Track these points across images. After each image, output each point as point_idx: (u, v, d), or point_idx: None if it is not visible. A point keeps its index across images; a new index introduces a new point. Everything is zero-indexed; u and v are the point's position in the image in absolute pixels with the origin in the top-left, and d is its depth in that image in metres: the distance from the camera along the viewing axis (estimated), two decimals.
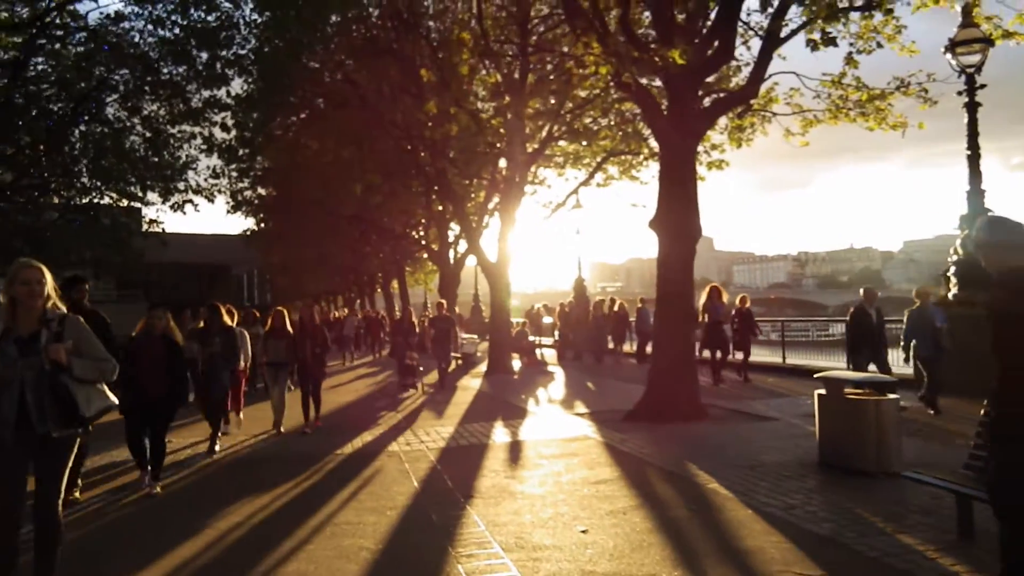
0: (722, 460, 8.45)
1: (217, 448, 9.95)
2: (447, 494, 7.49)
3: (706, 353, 16.06)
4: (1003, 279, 3.76)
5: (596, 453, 9.33)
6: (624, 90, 12.06)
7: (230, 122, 21.78)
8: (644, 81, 12.28)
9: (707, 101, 12.97)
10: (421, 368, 16.39)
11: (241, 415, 12.15)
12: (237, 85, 22.12)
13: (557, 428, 11.28)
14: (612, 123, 20.78)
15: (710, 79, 13.17)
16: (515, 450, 9.80)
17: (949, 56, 14.73)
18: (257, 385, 15.20)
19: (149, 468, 7.81)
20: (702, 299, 16.32)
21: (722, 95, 13.12)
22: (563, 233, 42.59)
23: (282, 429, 11.38)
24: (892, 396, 7.55)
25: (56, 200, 24.67)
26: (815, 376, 8.65)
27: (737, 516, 6.37)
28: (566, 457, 9.11)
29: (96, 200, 25.00)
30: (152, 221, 26.81)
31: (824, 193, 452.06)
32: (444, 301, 18.33)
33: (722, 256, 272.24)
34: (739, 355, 16.60)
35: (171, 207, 24.16)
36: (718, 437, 10.10)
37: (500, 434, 10.95)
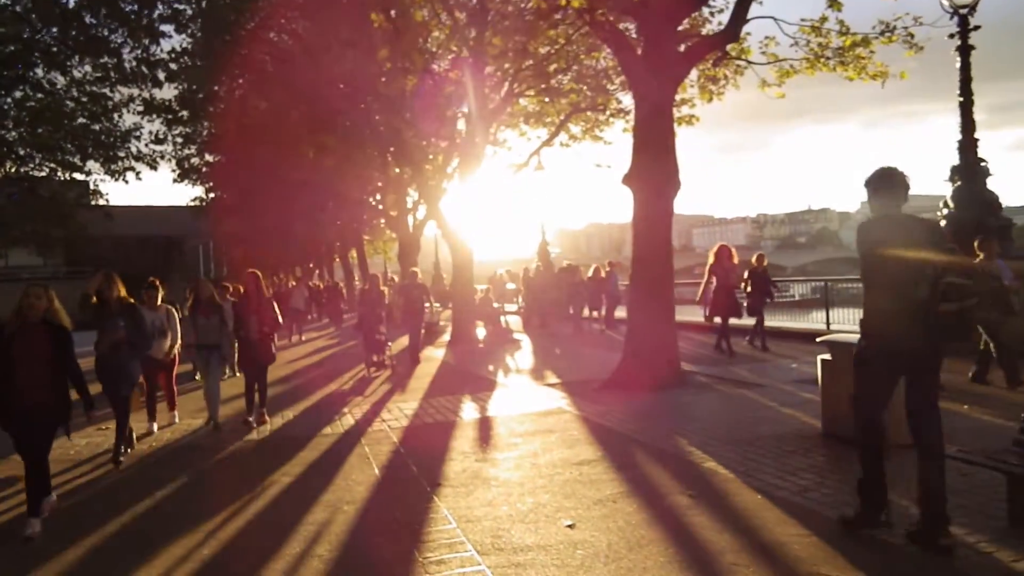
0: (714, 434, 7.67)
1: (123, 459, 7.96)
2: (412, 483, 6.60)
3: (716, 320, 14.43)
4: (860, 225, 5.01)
5: (574, 428, 8.50)
6: (597, 30, 11.08)
7: (168, 83, 20.35)
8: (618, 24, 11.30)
9: (682, 48, 12.08)
10: (389, 343, 15.30)
11: (176, 411, 10.12)
12: (176, 42, 20.71)
13: (529, 401, 10.44)
14: (575, 78, 19.73)
15: (683, 25, 12.25)
16: (485, 428, 8.94)
17: None
18: (195, 376, 12.49)
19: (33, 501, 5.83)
20: (709, 260, 14.79)
21: (699, 39, 12.17)
22: (524, 197, 41.58)
23: (219, 422, 9.60)
24: None
25: None
26: (818, 340, 7.86)
27: (744, 502, 5.57)
28: (542, 434, 8.26)
29: (34, 172, 23.54)
30: (95, 192, 25.38)
31: (781, 156, 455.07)
32: (417, 269, 17.06)
33: (681, 219, 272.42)
34: (752, 321, 14.97)
35: (112, 175, 22.83)
36: (705, 407, 9.33)
37: (468, 410, 10.08)
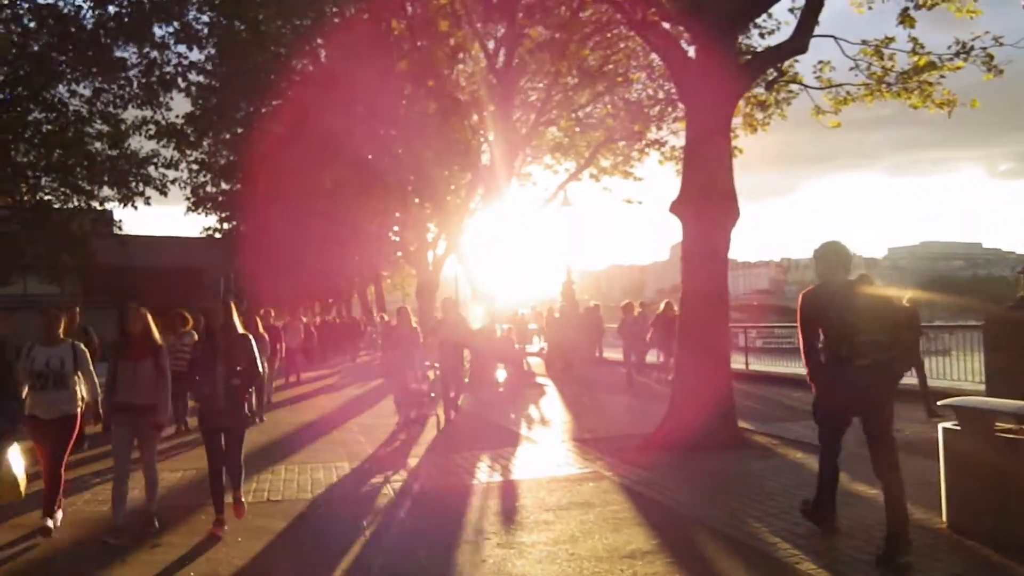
0: (799, 519, 6.09)
1: None
2: None
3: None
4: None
5: (617, 502, 6.97)
6: (646, 33, 9.74)
7: (179, 93, 19.25)
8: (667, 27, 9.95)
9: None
10: (432, 394, 12.36)
11: (60, 510, 6.44)
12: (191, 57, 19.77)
13: (559, 461, 8.91)
14: (610, 104, 18.47)
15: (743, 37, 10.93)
16: (509, 496, 7.42)
17: None
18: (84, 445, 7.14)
19: None
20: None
21: (760, 52, 10.84)
22: (548, 234, 39.74)
23: (156, 524, 6.38)
24: None
25: None
26: (941, 404, 6.33)
27: None
28: (578, 509, 6.74)
29: (47, 197, 22.66)
30: (109, 219, 24.36)
31: (807, 201, 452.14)
32: (457, 300, 14.75)
33: None
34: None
35: (122, 201, 21.82)
36: (777, 479, 7.74)
37: (488, 470, 8.57)
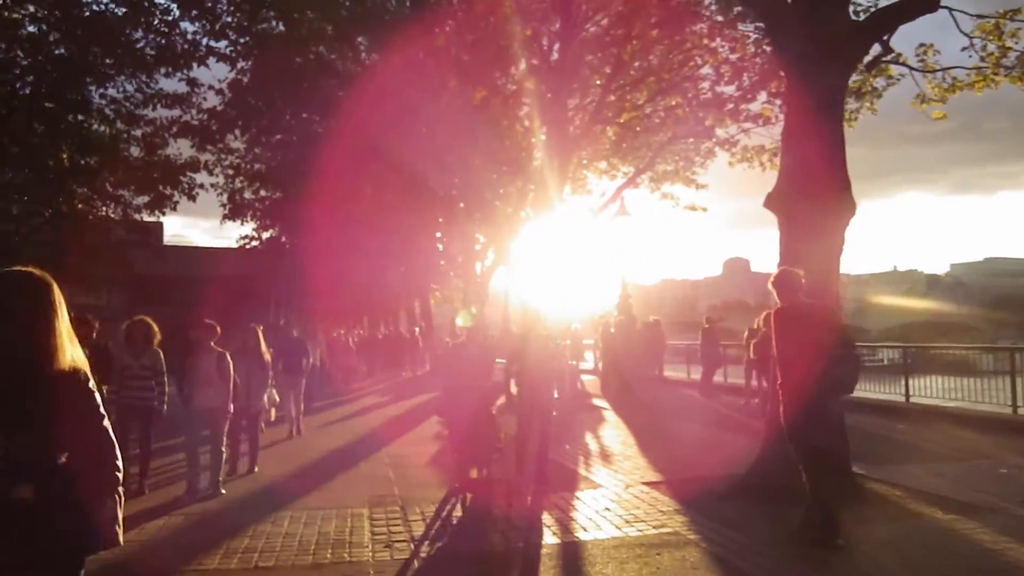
0: None
1: None
2: None
3: None
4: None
5: None
6: None
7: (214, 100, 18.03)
8: None
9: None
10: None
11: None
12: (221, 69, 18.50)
13: (627, 514, 7.15)
14: (677, 99, 16.64)
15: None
16: (570, 567, 5.72)
17: None
18: None
19: None
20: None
21: (878, 9, 9.01)
22: (601, 245, 37.34)
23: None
24: None
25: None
26: None
27: None
28: None
29: (79, 205, 21.74)
30: (146, 229, 23.35)
31: (866, 215, 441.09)
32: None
33: (759, 278, 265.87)
34: None
35: (147, 206, 20.82)
36: (919, 552, 5.85)
37: (541, 527, 6.85)
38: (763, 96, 14.23)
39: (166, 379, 8.54)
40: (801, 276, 6.17)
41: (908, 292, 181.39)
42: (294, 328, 16.35)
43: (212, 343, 8.28)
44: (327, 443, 12.05)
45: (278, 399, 10.76)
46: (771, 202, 7.79)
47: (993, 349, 19.18)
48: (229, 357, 8.28)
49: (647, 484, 8.47)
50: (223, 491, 8.23)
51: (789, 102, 7.90)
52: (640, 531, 6.55)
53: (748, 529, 6.43)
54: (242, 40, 17.28)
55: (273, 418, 11.08)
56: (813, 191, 7.39)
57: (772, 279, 6.33)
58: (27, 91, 18.14)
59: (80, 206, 21.39)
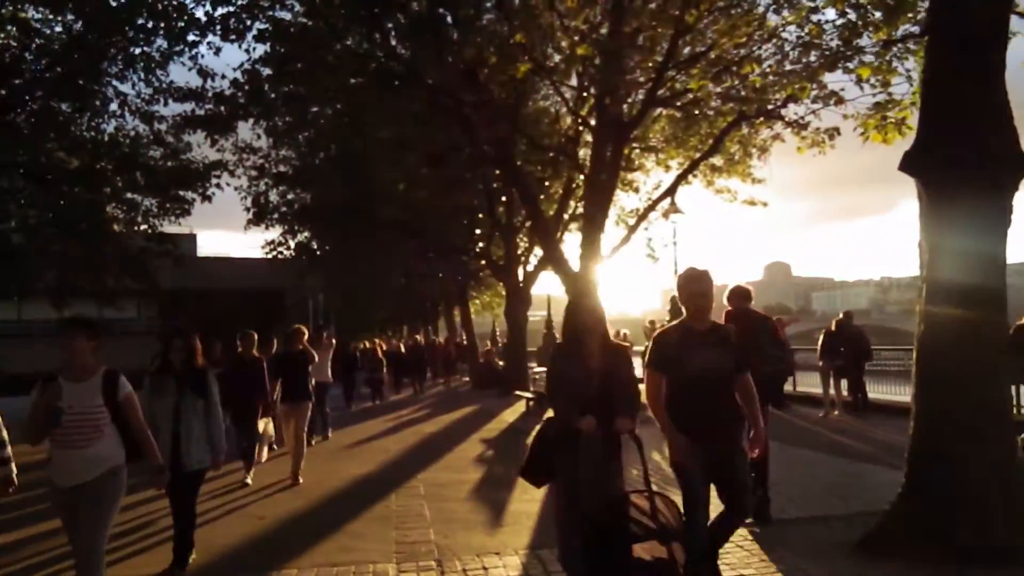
0: None
1: None
2: None
3: None
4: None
5: None
6: None
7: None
8: None
9: None
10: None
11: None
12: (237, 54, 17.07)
13: (729, 570, 5.45)
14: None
15: None
16: None
17: None
18: None
19: None
20: None
21: None
22: (648, 244, 35.25)
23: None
24: None
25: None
26: None
27: None
28: None
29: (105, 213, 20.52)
30: (165, 238, 21.92)
31: (907, 219, 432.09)
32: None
33: (799, 282, 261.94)
34: None
35: (164, 212, 19.58)
36: None
37: None
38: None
39: None
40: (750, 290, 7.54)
41: None
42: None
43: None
44: (353, 469, 10.47)
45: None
46: (911, 161, 6.00)
47: None
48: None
49: (743, 530, 6.68)
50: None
51: (934, 34, 6.11)
52: None
53: None
54: (251, 21, 15.92)
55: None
56: (974, 147, 5.60)
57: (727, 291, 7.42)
58: (36, 94, 17.00)
59: (105, 214, 20.20)
